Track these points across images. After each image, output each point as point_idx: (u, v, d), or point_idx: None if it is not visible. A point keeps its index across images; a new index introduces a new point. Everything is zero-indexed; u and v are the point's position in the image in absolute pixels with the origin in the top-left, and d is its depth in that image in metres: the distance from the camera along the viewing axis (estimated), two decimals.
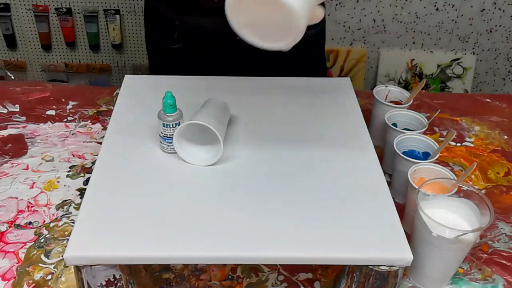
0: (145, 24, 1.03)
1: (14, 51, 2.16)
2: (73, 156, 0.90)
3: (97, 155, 0.71)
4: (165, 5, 0.95)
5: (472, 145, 0.98)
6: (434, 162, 0.77)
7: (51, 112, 1.01)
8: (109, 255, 0.57)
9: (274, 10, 0.54)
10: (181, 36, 0.96)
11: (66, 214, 0.78)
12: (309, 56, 0.99)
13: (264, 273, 0.71)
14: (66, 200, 0.81)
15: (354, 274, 0.61)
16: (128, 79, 0.88)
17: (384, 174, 0.70)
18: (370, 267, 0.59)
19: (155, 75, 1.08)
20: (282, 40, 0.57)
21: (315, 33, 0.97)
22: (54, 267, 0.70)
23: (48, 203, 0.80)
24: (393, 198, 0.66)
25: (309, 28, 0.57)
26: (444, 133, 1.00)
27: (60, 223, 0.77)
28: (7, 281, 0.68)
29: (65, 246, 0.62)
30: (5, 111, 1.00)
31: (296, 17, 0.53)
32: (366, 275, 0.60)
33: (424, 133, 0.85)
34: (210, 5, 0.84)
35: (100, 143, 0.86)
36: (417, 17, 2.10)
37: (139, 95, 0.84)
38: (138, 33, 2.14)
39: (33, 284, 0.68)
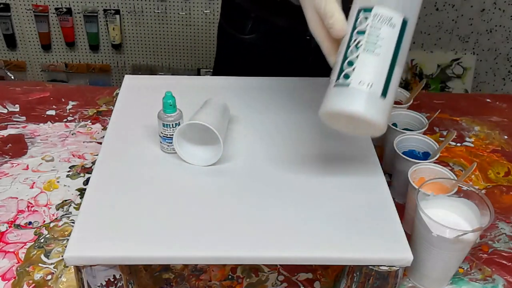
0: (221, 12, 1.04)
1: (14, 51, 2.16)
2: (73, 156, 0.90)
3: (97, 155, 0.71)
4: None
5: (472, 145, 0.98)
6: (434, 162, 0.77)
7: (51, 112, 1.01)
8: (109, 255, 0.57)
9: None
10: (254, 28, 0.97)
11: (66, 214, 0.78)
12: None
13: (264, 273, 0.71)
14: (66, 200, 0.81)
15: (354, 274, 0.61)
16: (128, 79, 0.88)
17: (384, 174, 0.70)
18: (370, 267, 0.59)
19: (219, 65, 1.08)
20: (365, 133, 0.65)
21: None
22: (54, 267, 0.70)
23: (48, 203, 0.80)
24: (393, 198, 0.66)
25: None
26: (444, 133, 1.00)
27: (60, 223, 0.77)
28: (7, 281, 0.68)
29: (65, 246, 0.62)
30: (5, 111, 1.00)
31: (382, 130, 0.58)
32: (366, 275, 0.60)
33: (424, 133, 0.85)
34: (286, 3, 0.84)
35: (100, 143, 0.86)
36: None
37: (139, 95, 0.84)
38: (138, 33, 2.14)
39: (33, 284, 0.68)
